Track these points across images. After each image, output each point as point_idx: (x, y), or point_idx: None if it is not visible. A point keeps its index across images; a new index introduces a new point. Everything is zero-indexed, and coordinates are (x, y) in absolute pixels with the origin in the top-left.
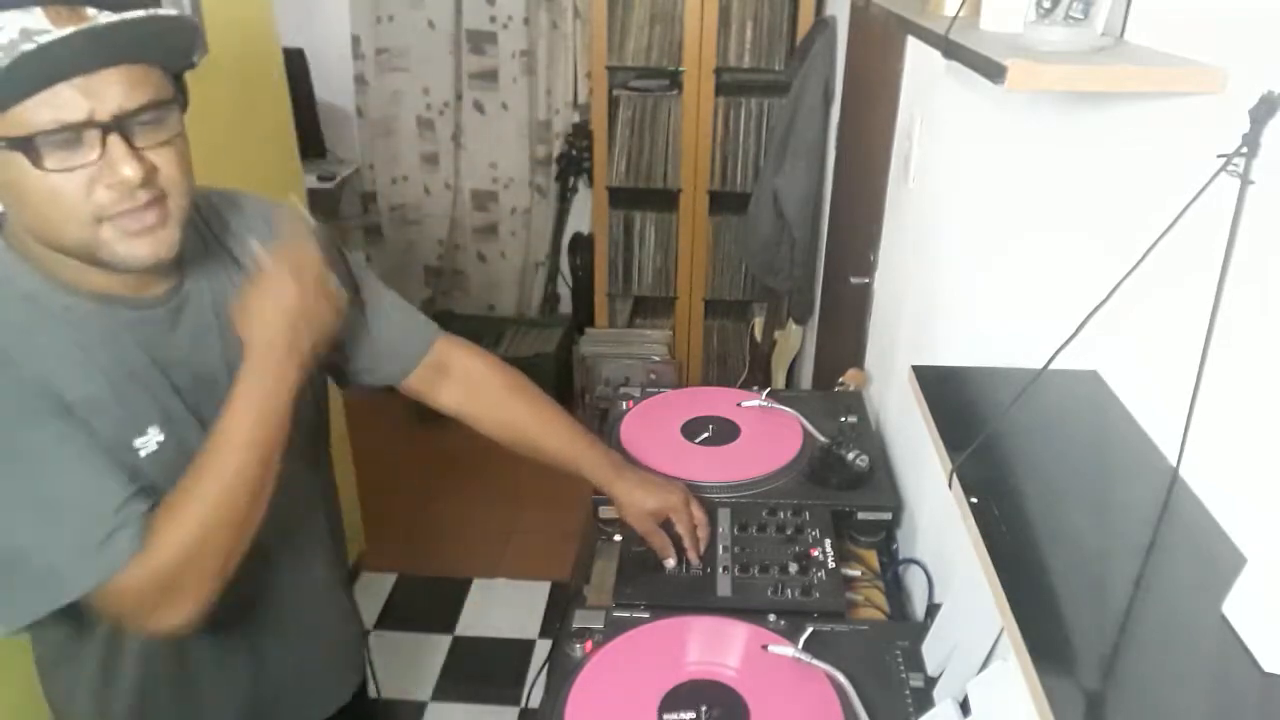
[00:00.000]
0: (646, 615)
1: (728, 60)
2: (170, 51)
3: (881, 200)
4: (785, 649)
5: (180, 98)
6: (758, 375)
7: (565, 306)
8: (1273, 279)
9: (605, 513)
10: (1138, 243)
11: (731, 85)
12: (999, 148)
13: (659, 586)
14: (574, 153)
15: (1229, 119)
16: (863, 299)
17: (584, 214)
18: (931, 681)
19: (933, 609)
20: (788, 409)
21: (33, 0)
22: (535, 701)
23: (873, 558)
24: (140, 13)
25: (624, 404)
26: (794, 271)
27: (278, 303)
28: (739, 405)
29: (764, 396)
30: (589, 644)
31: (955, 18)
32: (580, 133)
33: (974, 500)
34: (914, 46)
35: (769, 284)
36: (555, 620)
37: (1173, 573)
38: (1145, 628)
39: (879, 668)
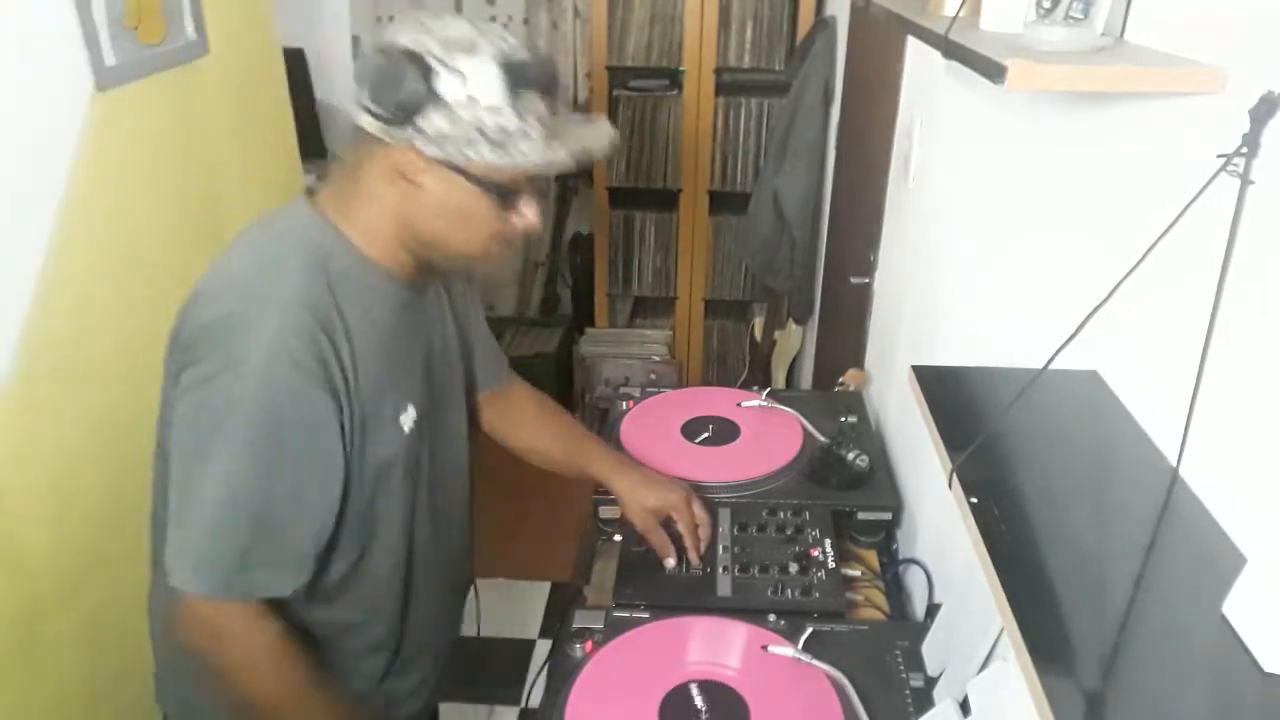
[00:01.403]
0: (646, 615)
1: (728, 60)
2: None
3: (881, 200)
4: (785, 649)
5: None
6: (758, 375)
7: (565, 306)
8: (1273, 279)
9: (605, 513)
10: (1138, 243)
11: (731, 85)
12: (999, 148)
13: (659, 586)
14: None
15: (1229, 119)
16: (863, 299)
17: (584, 214)
18: (931, 681)
19: (933, 609)
20: (788, 409)
21: (547, 90)
22: (535, 701)
23: (873, 558)
24: (607, 139)
25: (624, 404)
26: (794, 271)
27: None
28: (739, 405)
29: (764, 396)
30: (589, 644)
31: (955, 18)
32: None
33: (974, 500)
34: (914, 46)
35: (769, 284)
36: (555, 620)
37: (1173, 573)
38: (1145, 628)
39: (879, 668)
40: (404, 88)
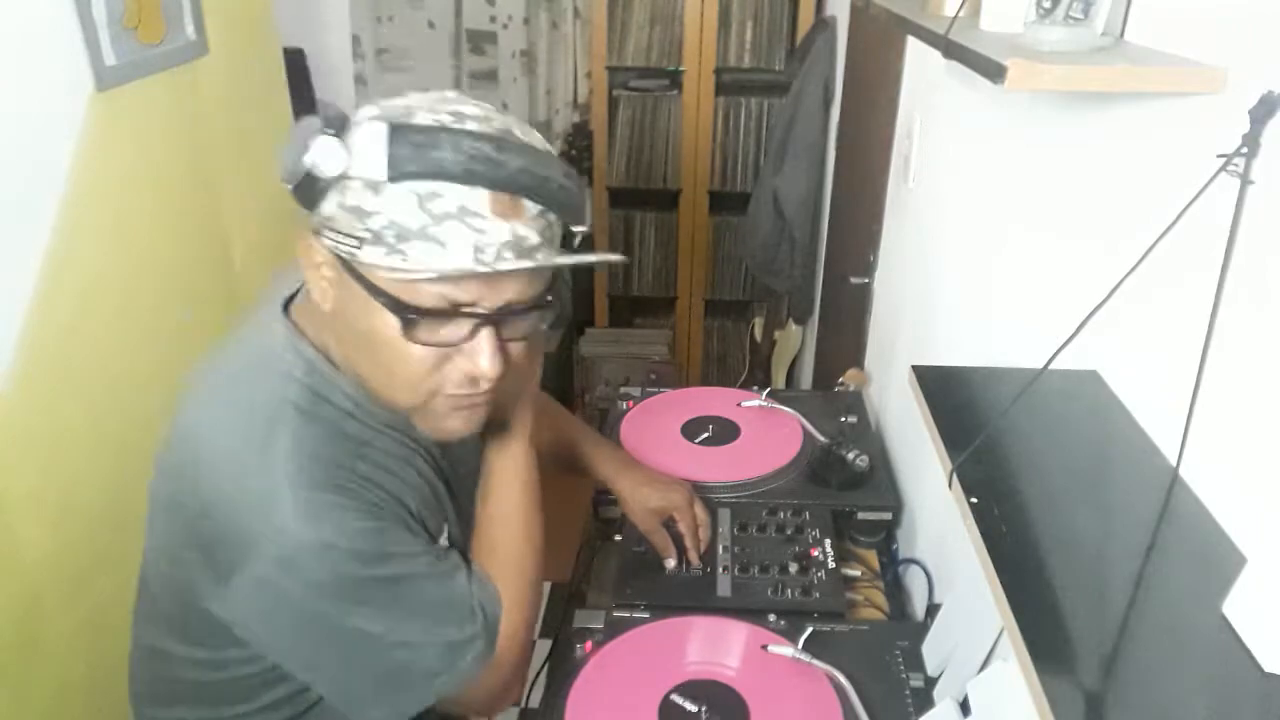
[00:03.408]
0: (646, 615)
1: (728, 60)
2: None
3: (881, 200)
4: (785, 649)
5: (556, 304)
6: (758, 375)
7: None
8: (1273, 279)
9: (605, 513)
10: (1138, 242)
11: (731, 85)
12: (999, 148)
13: (659, 586)
14: (574, 153)
15: (1229, 119)
16: (863, 299)
17: None
18: (931, 681)
19: (933, 609)
20: (788, 409)
21: (483, 182)
22: (535, 701)
23: (873, 558)
24: (586, 258)
25: (624, 404)
26: (794, 271)
27: (528, 384)
28: (739, 405)
29: (764, 396)
30: (589, 644)
31: (955, 18)
32: (580, 133)
33: (974, 500)
34: (914, 46)
35: (769, 284)
36: (555, 620)
37: (1173, 573)
38: (1145, 628)
39: (879, 668)
40: (288, 153)
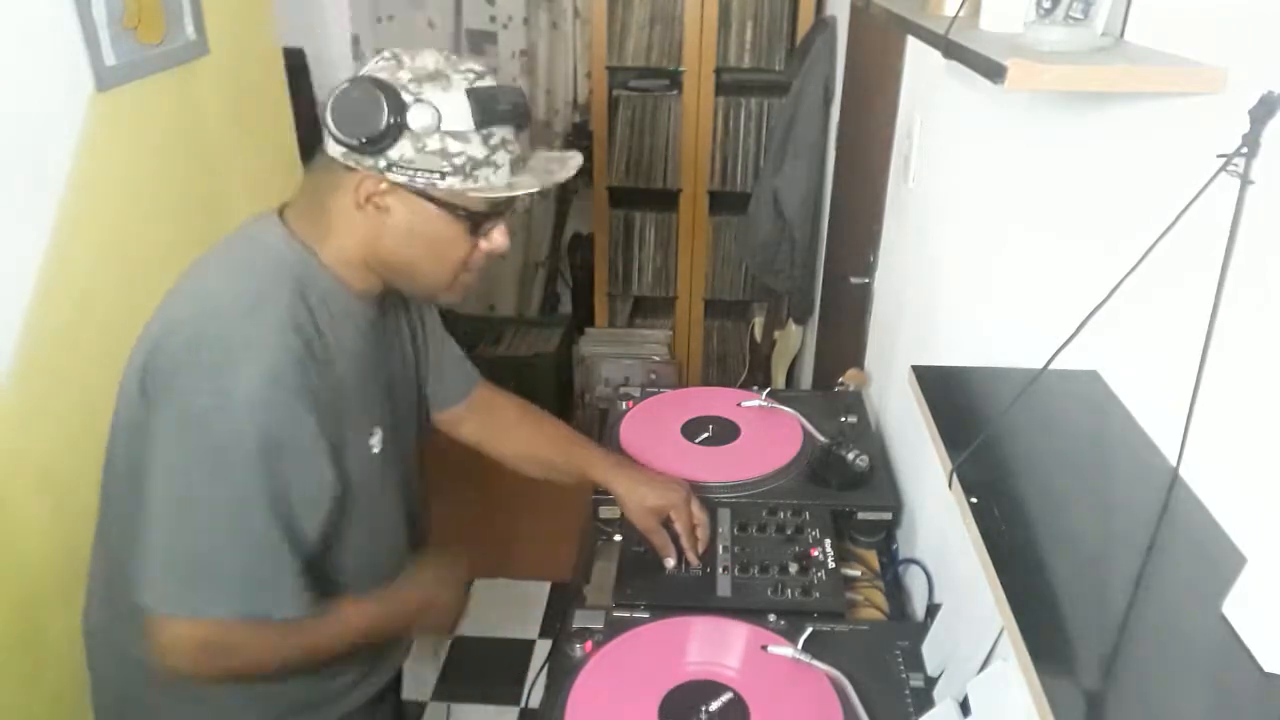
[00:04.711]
0: (646, 615)
1: (728, 60)
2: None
3: (881, 200)
4: (785, 649)
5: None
6: (758, 375)
7: (565, 306)
8: (1273, 279)
9: (605, 513)
10: (1138, 242)
11: (731, 85)
12: (999, 148)
13: (659, 586)
14: None
15: (1229, 119)
16: (863, 299)
17: (584, 214)
18: (931, 681)
19: (933, 609)
20: (788, 409)
21: (513, 120)
22: (535, 701)
23: (873, 558)
24: (573, 167)
25: (624, 404)
26: (794, 271)
27: (443, 596)
28: (739, 405)
29: (764, 396)
30: (589, 644)
31: (955, 18)
32: (580, 133)
33: (974, 500)
34: (914, 46)
35: (769, 284)
36: (555, 620)
37: (1173, 573)
38: (1145, 628)
39: (879, 668)
40: (375, 119)
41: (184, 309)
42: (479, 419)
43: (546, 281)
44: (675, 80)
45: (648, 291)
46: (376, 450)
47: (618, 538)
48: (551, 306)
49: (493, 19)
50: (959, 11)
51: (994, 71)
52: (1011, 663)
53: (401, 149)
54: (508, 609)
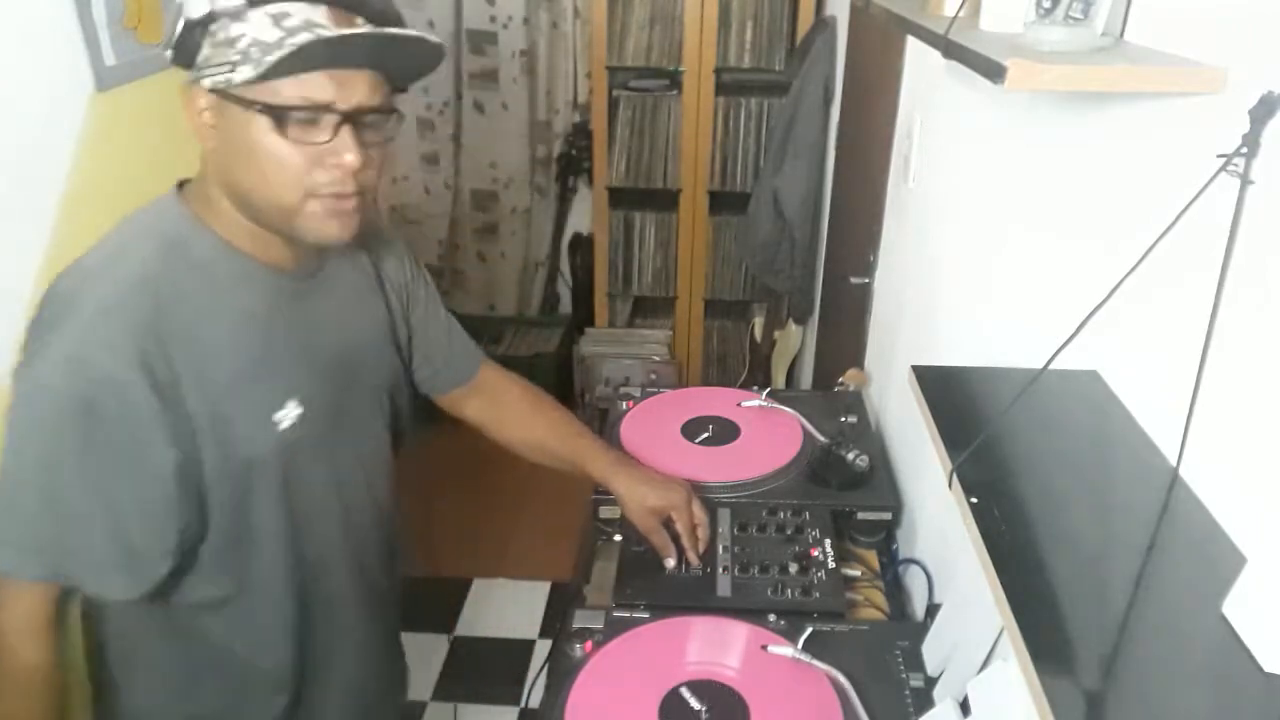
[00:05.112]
0: (646, 615)
1: (728, 60)
2: (407, 71)
3: (881, 200)
4: (785, 649)
5: (398, 111)
6: (758, 375)
7: (565, 306)
8: (1273, 279)
9: (605, 513)
10: (1138, 242)
11: (731, 85)
12: (999, 148)
13: (659, 586)
14: (574, 153)
15: (1229, 119)
16: (863, 299)
17: (584, 214)
18: (931, 681)
19: (933, 609)
20: (788, 409)
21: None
22: (535, 701)
23: (873, 558)
24: (411, 32)
25: (624, 404)
26: (794, 271)
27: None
28: (739, 405)
29: (764, 396)
30: (589, 644)
31: (955, 18)
32: (580, 133)
33: (974, 500)
34: (914, 46)
35: (769, 284)
36: (555, 620)
37: (1173, 573)
38: (1145, 628)
39: (879, 668)
40: (168, 24)
41: (60, 275)
42: (483, 400)
43: (546, 281)
44: (675, 80)
45: (648, 291)
46: (285, 425)
47: (618, 538)
48: (551, 306)
49: (493, 19)
50: (959, 11)
51: (994, 71)
52: (1011, 663)
53: (205, 52)
54: (507, 609)
